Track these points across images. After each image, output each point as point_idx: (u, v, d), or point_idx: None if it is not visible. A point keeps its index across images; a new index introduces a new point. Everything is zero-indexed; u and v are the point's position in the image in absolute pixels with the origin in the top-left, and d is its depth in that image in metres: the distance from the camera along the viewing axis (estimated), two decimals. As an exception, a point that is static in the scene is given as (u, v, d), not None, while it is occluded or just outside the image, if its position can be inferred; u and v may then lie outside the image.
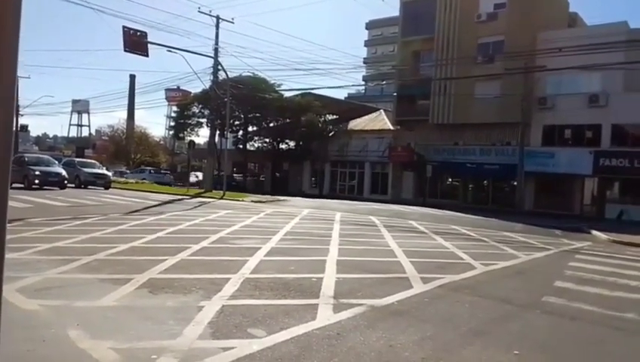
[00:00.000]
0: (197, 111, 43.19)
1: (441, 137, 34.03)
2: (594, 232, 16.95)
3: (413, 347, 4.20)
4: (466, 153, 32.91)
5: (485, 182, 34.15)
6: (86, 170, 28.96)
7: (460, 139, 33.58)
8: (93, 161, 34.38)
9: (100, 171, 29.86)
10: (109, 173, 31.63)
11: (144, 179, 42.20)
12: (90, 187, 27.71)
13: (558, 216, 25.16)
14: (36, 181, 23.71)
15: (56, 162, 28.45)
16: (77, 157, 44.90)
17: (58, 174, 24.99)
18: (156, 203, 19.76)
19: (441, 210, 25.16)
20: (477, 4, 32.23)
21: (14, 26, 1.13)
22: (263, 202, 24.31)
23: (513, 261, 9.51)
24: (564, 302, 6.21)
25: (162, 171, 49.92)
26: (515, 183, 30.19)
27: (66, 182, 25.05)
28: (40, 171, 24.20)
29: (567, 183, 29.29)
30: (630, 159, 26.54)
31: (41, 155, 32.86)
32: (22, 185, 23.45)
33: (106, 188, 28.20)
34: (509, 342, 4.54)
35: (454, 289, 6.58)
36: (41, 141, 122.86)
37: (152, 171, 47.72)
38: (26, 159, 25.88)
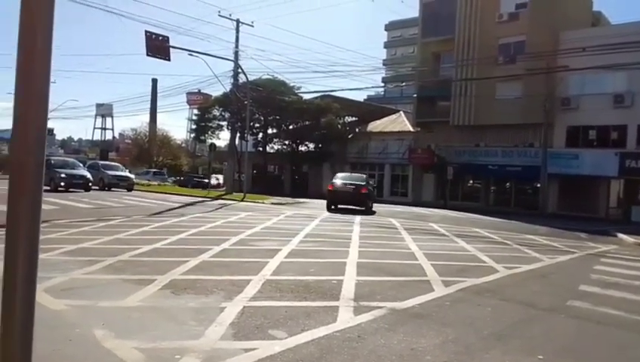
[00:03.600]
0: (217, 114, 43.58)
1: (462, 139, 33.69)
2: (620, 235, 16.58)
3: (434, 350, 4.17)
4: (487, 155, 32.49)
5: (508, 184, 33.69)
6: (110, 172, 29.55)
7: (481, 140, 33.19)
8: (116, 164, 35.19)
9: (123, 173, 30.42)
10: (132, 176, 32.24)
11: (149, 179, 43.72)
12: (113, 189, 28.23)
13: (582, 218, 24.70)
14: (62, 183, 24.25)
15: (81, 165, 29.08)
16: (101, 159, 45.83)
17: (83, 177, 25.54)
18: (177, 205, 20.00)
19: (462, 213, 24.91)
20: (498, 4, 31.84)
21: (47, 35, 1.16)
22: (283, 204, 24.40)
23: (537, 264, 9.37)
24: (589, 306, 6.10)
25: (159, 172, 51.70)
26: (539, 185, 29.72)
27: (90, 184, 25.58)
28: (65, 174, 24.76)
29: (592, 185, 28.69)
30: (657, 160, 25.91)
31: (66, 158, 33.62)
32: (48, 188, 23.98)
33: (129, 190, 28.71)
34: (533, 346, 4.47)
35: (476, 293, 6.51)
36: (67, 144, 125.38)
37: (154, 173, 49.30)
38: (52, 162, 26.47)
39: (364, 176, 25.49)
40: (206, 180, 47.30)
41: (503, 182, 33.81)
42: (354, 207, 21.62)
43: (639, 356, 4.55)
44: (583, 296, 6.66)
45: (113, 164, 35.39)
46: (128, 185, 29.22)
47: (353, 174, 26.64)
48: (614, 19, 46.85)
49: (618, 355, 4.52)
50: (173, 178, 51.40)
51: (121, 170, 31.37)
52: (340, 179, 23.08)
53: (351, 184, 22.18)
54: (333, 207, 21.56)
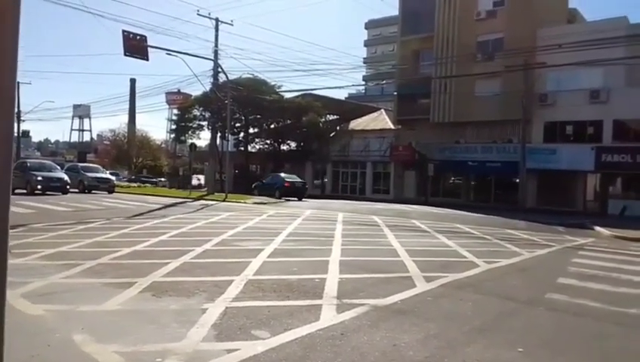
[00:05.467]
0: (198, 113, 43.24)
1: (443, 136, 34.00)
2: (597, 228, 16.92)
3: (417, 346, 4.20)
4: (467, 151, 32.87)
5: (488, 179, 34.10)
6: (90, 174, 29.00)
7: (461, 137, 33.55)
8: (96, 166, 34.42)
9: (103, 175, 29.90)
10: (113, 178, 31.65)
11: None
12: (93, 191, 27.74)
13: (560, 212, 25.13)
14: (39, 186, 23.76)
15: (59, 167, 28.51)
16: (79, 161, 45.01)
17: (60, 179, 25.05)
18: (158, 206, 19.80)
19: (443, 209, 25.15)
20: (476, 2, 32.23)
21: (13, 31, 1.14)
22: (265, 204, 24.33)
23: (516, 258, 9.51)
24: (567, 299, 6.21)
25: (114, 173, 50.23)
26: (517, 180, 30.15)
27: (68, 187, 25.10)
28: (42, 177, 24.26)
29: (570, 180, 29.24)
30: (632, 154, 26.50)
31: (43, 161, 32.98)
32: (24, 191, 23.50)
33: (110, 192, 28.22)
34: (513, 339, 4.54)
35: (457, 288, 6.59)
36: (43, 146, 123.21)
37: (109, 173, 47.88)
38: (29, 165, 25.92)
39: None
40: (154, 179, 47.45)
41: (483, 178, 34.22)
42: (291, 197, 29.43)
43: (615, 346, 4.65)
44: (562, 289, 6.78)
45: (93, 165, 34.58)
46: (109, 188, 28.65)
47: (291, 175, 33.94)
48: (589, 16, 47.85)
49: (594, 346, 4.61)
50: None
51: (102, 172, 30.74)
52: (289, 178, 31.37)
53: (299, 181, 31.66)
54: (285, 197, 28.85)
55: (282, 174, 32.86)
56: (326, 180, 41.43)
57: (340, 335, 4.36)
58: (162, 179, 53.77)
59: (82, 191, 27.34)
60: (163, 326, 4.47)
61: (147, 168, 59.07)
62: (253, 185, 33.14)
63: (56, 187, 24.52)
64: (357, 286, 6.34)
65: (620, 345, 4.68)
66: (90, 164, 36.83)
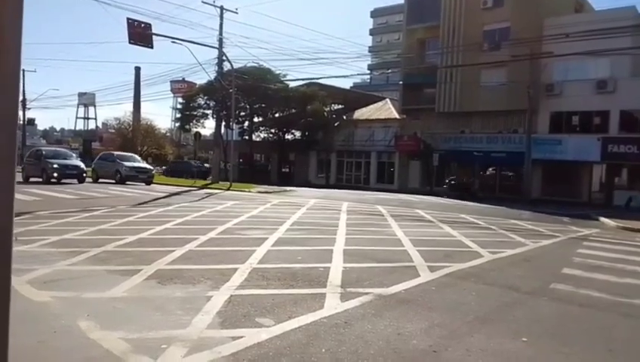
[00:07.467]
0: (202, 102, 43.19)
1: (448, 126, 33.83)
2: (602, 219, 16.86)
3: (420, 335, 4.21)
4: (472, 141, 32.69)
5: (492, 170, 33.97)
6: (127, 164, 26.57)
7: (466, 127, 33.36)
8: (132, 154, 30.94)
9: (141, 165, 27.50)
10: (151, 167, 29.02)
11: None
12: (128, 182, 25.70)
13: (566, 203, 25.05)
14: (54, 174, 23.06)
15: (74, 155, 27.76)
16: (84, 150, 44.83)
17: (77, 167, 24.29)
18: (163, 195, 19.84)
19: (448, 199, 25.10)
20: (482, -10, 31.87)
21: (16, 18, 1.13)
22: (270, 193, 24.35)
23: (521, 248, 9.49)
24: (572, 289, 6.20)
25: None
26: (523, 171, 30.03)
27: (84, 175, 24.38)
28: (58, 164, 23.47)
29: (575, 170, 29.09)
30: (639, 145, 26.29)
31: (58, 148, 32.24)
32: (40, 179, 23.31)
33: (148, 183, 25.97)
34: (517, 329, 4.54)
35: (461, 278, 6.58)
36: (49, 134, 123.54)
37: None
38: (44, 153, 25.25)
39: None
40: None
41: (488, 168, 34.08)
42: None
43: (619, 337, 4.64)
44: (566, 279, 6.77)
45: (128, 154, 30.51)
46: (147, 178, 26.15)
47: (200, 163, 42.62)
48: (597, 5, 47.39)
49: (600, 336, 4.61)
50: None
51: (139, 161, 28.15)
52: (196, 164, 38.09)
53: (204, 167, 38.07)
54: (192, 178, 32.21)
55: (192, 161, 42.90)
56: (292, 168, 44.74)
57: (343, 324, 4.38)
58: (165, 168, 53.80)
59: (119, 183, 25.47)
60: (168, 313, 4.50)
61: (152, 156, 59.13)
62: (163, 171, 37.70)
63: (72, 175, 23.67)
64: (361, 276, 6.35)
65: (625, 336, 4.68)
66: (125, 153, 31.74)
